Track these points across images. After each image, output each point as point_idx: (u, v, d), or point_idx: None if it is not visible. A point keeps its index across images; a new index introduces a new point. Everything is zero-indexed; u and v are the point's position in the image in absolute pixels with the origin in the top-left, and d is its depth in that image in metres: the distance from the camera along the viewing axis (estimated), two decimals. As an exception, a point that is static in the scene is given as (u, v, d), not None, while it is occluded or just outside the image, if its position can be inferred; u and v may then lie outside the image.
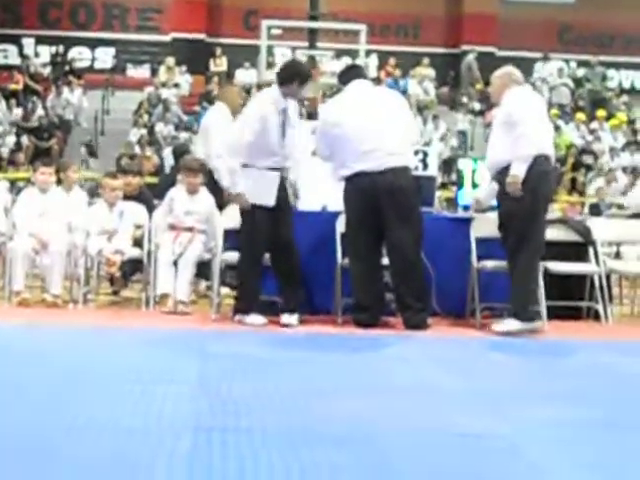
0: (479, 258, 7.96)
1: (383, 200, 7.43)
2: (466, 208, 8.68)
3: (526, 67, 24.23)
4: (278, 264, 7.77)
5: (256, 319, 7.65)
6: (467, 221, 8.19)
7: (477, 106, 23.98)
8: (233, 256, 8.09)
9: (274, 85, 7.81)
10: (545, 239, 7.66)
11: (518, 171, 7.31)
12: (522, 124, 7.31)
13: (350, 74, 7.98)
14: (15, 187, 15.37)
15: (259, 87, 23.51)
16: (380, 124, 7.57)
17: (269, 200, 7.59)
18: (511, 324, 7.43)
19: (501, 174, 7.46)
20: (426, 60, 25.86)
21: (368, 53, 21.96)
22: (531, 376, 5.95)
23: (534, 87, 24.34)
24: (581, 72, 26.10)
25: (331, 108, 7.98)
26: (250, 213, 7.62)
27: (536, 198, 7.41)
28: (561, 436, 4.28)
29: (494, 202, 7.74)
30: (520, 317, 7.42)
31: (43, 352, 6.11)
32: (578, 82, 25.73)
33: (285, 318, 7.68)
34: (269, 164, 7.61)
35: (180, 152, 13.15)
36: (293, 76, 7.74)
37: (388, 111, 7.72)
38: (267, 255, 7.77)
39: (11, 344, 6.45)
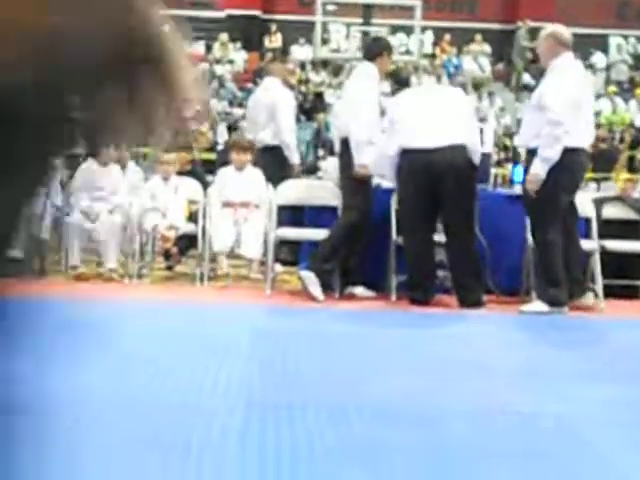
0: (534, 235, 7.89)
1: (439, 177, 7.37)
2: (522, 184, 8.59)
3: (584, 43, 24.00)
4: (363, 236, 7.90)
5: (365, 291, 7.92)
6: (521, 198, 8.10)
7: (526, 78, 23.71)
8: (287, 232, 8.12)
9: (365, 62, 7.99)
10: (559, 230, 7.42)
11: (538, 170, 7.17)
12: (553, 119, 7.06)
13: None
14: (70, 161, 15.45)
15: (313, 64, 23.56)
16: (440, 105, 7.58)
17: (388, 176, 7.89)
18: (537, 306, 7.35)
19: (529, 155, 7.41)
20: (481, 36, 25.64)
21: (423, 29, 21.83)
22: (586, 355, 5.89)
23: (592, 66, 24.08)
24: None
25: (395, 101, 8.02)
26: (366, 185, 7.84)
27: (556, 190, 7.22)
28: (616, 416, 4.24)
29: None
30: (542, 299, 7.35)
31: (97, 326, 6.15)
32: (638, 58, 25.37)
33: (362, 291, 7.94)
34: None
35: (235, 129, 13.18)
36: (384, 48, 8.06)
37: (450, 99, 7.74)
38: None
39: (66, 317, 6.49)
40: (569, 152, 7.15)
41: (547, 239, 7.28)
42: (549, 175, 7.14)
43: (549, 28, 7.60)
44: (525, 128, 7.52)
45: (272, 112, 9.34)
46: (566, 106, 7.12)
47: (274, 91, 9.55)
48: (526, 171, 7.40)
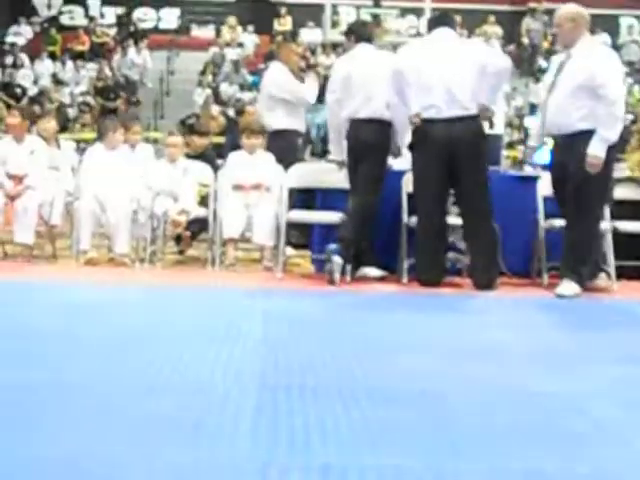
0: (546, 217, 7.87)
1: (455, 150, 7.30)
2: (533, 166, 8.57)
3: (595, 25, 23.86)
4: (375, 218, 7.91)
5: (377, 271, 7.87)
6: (534, 180, 8.08)
7: (544, 64, 23.61)
8: (298, 215, 8.11)
9: (366, 44, 7.95)
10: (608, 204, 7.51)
11: (601, 152, 7.06)
12: (611, 98, 7.02)
13: (435, 22, 7.85)
14: (81, 147, 15.51)
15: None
16: (452, 72, 7.38)
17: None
18: (571, 287, 7.23)
19: (572, 138, 7.18)
20: (492, 18, 25.53)
21: (433, 11, 21.73)
22: (599, 336, 5.87)
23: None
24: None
25: (404, 53, 7.86)
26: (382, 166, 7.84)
27: (609, 169, 7.26)
28: (629, 396, 4.23)
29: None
30: (573, 279, 7.24)
31: (109, 311, 6.16)
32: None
33: (373, 271, 7.87)
34: None
35: (239, 112, 13.20)
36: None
37: (464, 61, 7.44)
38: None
39: (78, 302, 6.50)
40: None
41: (597, 222, 7.31)
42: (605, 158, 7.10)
43: (571, 9, 7.41)
44: (567, 113, 7.19)
45: (268, 96, 9.36)
46: (619, 82, 7.19)
47: (269, 74, 9.55)
48: (566, 156, 7.23)
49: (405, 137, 7.78)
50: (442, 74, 7.37)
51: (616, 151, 7.48)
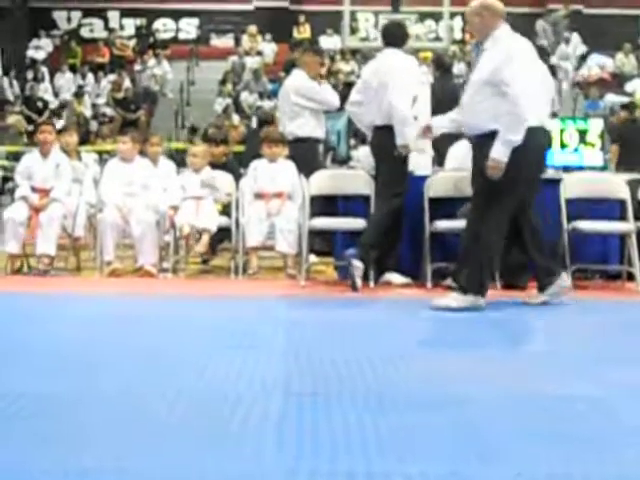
0: (569, 219, 7.84)
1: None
2: (555, 168, 8.54)
3: (616, 25, 23.80)
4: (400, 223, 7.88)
5: (401, 278, 7.89)
6: (556, 182, 8.05)
7: (568, 65, 23.52)
8: (320, 222, 8.10)
9: (394, 49, 7.93)
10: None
11: (500, 156, 6.43)
12: (512, 97, 6.43)
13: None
14: (103, 159, 15.57)
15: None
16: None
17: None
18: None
19: (482, 139, 6.62)
20: (509, 20, 25.43)
21: (452, 15, 21.71)
22: (623, 338, 5.84)
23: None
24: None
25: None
26: (404, 170, 7.80)
27: (515, 177, 6.55)
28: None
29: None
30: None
31: (134, 322, 6.18)
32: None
33: (397, 278, 7.89)
34: None
35: (264, 121, 13.20)
36: (407, 34, 8.23)
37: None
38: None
39: (103, 314, 6.52)
40: (529, 131, 6.54)
41: (489, 236, 6.66)
42: (510, 159, 6.47)
43: (477, 3, 6.89)
44: (475, 112, 6.65)
45: (295, 104, 9.35)
46: (523, 80, 6.53)
47: (295, 83, 9.53)
48: (480, 158, 6.64)
49: (405, 134, 7.65)
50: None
51: (536, 156, 6.81)
